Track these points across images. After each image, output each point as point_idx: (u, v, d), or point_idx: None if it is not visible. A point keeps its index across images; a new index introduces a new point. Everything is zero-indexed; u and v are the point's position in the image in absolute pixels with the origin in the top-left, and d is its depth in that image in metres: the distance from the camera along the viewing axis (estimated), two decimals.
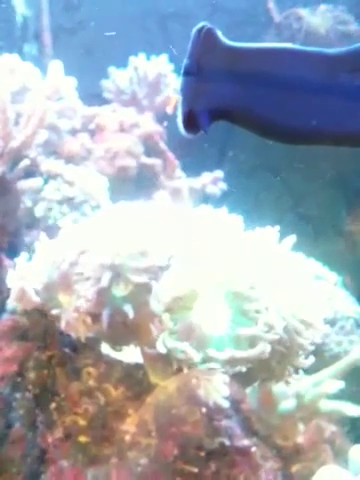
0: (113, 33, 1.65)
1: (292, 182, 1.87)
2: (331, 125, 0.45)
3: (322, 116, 0.45)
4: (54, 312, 0.80)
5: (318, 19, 1.95)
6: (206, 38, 0.45)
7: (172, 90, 1.73)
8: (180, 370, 0.77)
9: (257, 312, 0.74)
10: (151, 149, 1.68)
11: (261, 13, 1.98)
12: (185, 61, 0.46)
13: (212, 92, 0.46)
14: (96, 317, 0.78)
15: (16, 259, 0.87)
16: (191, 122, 0.47)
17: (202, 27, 0.45)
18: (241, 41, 0.45)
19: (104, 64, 1.81)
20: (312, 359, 0.86)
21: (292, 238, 0.83)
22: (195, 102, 0.46)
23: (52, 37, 2.00)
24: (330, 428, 1.26)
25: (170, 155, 1.71)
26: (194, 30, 0.46)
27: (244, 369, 0.72)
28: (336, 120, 0.45)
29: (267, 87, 0.45)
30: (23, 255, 0.86)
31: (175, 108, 0.67)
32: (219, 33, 0.45)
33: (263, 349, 0.71)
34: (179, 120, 0.47)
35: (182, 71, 0.46)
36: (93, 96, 1.67)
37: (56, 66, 1.57)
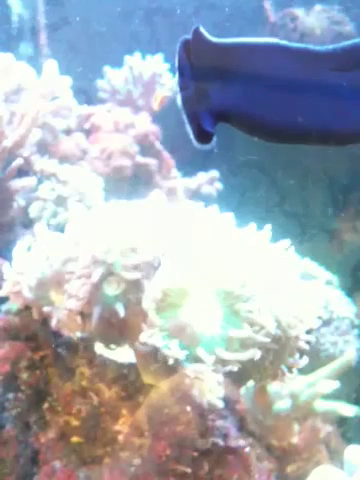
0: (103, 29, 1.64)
1: (278, 179, 1.88)
2: (319, 123, 0.45)
3: (310, 114, 0.45)
4: (46, 310, 0.80)
5: (313, 19, 1.95)
6: (194, 42, 0.45)
7: (160, 88, 1.73)
8: (173, 370, 0.77)
9: (249, 311, 0.73)
10: (146, 149, 1.67)
11: (250, 9, 1.97)
12: (177, 76, 0.46)
13: (209, 96, 0.46)
14: (88, 316, 0.78)
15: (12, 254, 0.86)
16: (201, 133, 0.47)
17: (185, 38, 0.45)
18: (229, 37, 0.44)
19: (89, 60, 1.80)
20: (306, 359, 0.86)
21: (287, 242, 0.83)
22: (198, 112, 0.46)
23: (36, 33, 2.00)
24: (325, 428, 1.26)
25: (166, 155, 1.70)
26: (179, 41, 0.46)
27: (235, 368, 0.71)
28: (324, 118, 0.45)
29: (256, 85, 0.45)
30: (18, 251, 0.86)
31: (161, 105, 0.68)
32: (205, 33, 0.45)
33: (254, 353, 0.71)
34: (190, 135, 0.47)
35: (178, 86, 0.46)
36: (78, 92, 1.66)
37: (51, 65, 1.57)
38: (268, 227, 0.81)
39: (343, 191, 1.89)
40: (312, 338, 0.80)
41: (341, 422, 1.33)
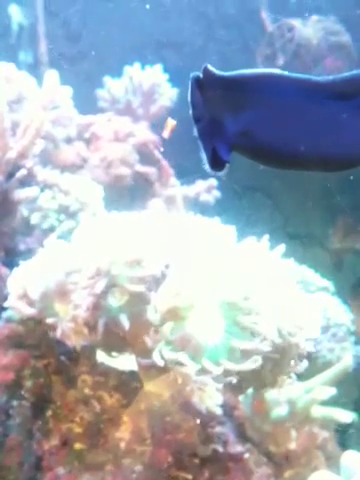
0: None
1: (282, 202, 1.91)
2: (321, 150, 0.47)
3: (311, 141, 0.47)
4: (50, 321, 0.81)
5: (310, 30, 1.98)
6: (204, 78, 0.47)
7: (168, 112, 1.75)
8: (174, 378, 0.78)
9: (250, 321, 0.75)
10: (146, 158, 1.69)
11: (251, 41, 2.02)
12: (191, 110, 0.49)
13: (222, 126, 0.48)
14: (92, 326, 0.79)
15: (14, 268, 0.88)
16: (216, 161, 0.49)
17: (197, 75, 0.48)
18: (235, 68, 0.47)
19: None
20: (306, 363, 0.87)
21: (282, 247, 0.85)
22: (213, 141, 0.49)
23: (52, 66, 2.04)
24: (322, 434, 1.28)
25: (165, 163, 1.72)
26: (191, 77, 0.48)
27: (235, 381, 0.73)
28: (326, 145, 0.47)
29: (264, 115, 0.47)
30: (22, 263, 0.87)
31: (171, 132, 0.70)
32: (214, 69, 0.47)
33: (256, 361, 0.73)
34: (205, 163, 0.50)
35: (193, 118, 0.49)
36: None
37: (52, 75, 1.59)
38: (266, 237, 0.83)
39: (342, 212, 1.93)
40: (311, 348, 0.82)
41: (338, 428, 1.34)
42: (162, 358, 0.70)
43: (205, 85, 0.48)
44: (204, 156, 0.49)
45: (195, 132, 0.49)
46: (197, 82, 0.48)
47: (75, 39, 2.15)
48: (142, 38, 2.07)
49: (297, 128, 0.47)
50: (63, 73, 1.56)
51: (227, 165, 0.49)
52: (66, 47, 2.14)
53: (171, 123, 0.72)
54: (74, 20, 2.18)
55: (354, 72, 0.45)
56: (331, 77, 0.45)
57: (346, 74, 0.46)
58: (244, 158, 0.48)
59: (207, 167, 0.49)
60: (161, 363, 0.69)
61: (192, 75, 0.48)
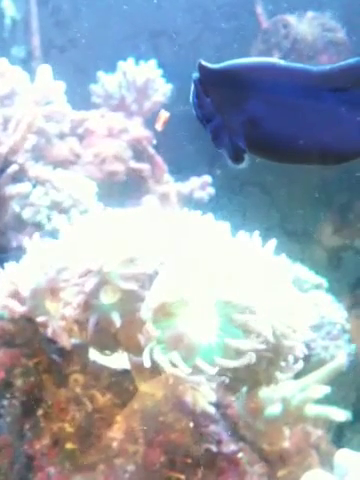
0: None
1: (279, 199, 1.90)
2: (319, 142, 0.46)
3: (310, 133, 0.46)
4: (41, 319, 0.80)
5: (305, 26, 1.97)
6: (202, 76, 0.46)
7: (162, 108, 1.74)
8: (167, 378, 0.77)
9: (245, 319, 0.74)
10: (139, 154, 1.68)
11: (248, 32, 2.00)
12: (196, 113, 0.48)
13: (233, 119, 0.47)
14: (83, 324, 0.78)
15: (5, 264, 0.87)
16: (237, 154, 0.48)
17: (197, 76, 0.47)
18: (230, 58, 0.46)
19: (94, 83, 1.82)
20: (301, 364, 0.87)
21: (273, 242, 0.84)
22: (229, 136, 0.48)
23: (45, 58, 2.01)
24: (316, 433, 1.27)
25: (158, 160, 1.71)
26: (192, 81, 0.47)
27: (227, 381, 0.72)
28: (324, 137, 0.46)
29: (261, 107, 0.46)
30: (12, 261, 0.86)
31: (164, 125, 0.69)
32: (208, 64, 0.46)
33: (250, 359, 0.72)
34: (228, 159, 0.49)
35: (200, 121, 0.48)
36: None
37: (44, 69, 1.57)
38: (256, 233, 0.82)
39: (340, 209, 1.92)
40: (304, 349, 0.81)
41: (331, 426, 1.34)
42: (152, 358, 0.69)
43: (204, 82, 0.47)
44: (225, 154, 0.48)
45: (209, 131, 0.48)
46: (198, 82, 0.47)
47: (65, 27, 2.12)
48: (135, 27, 2.05)
49: (293, 120, 0.46)
50: (55, 64, 1.54)
51: (246, 157, 0.48)
52: (55, 35, 2.11)
53: (164, 115, 0.70)
54: (64, 7, 2.15)
55: (350, 61, 0.44)
56: (328, 67, 0.44)
57: (342, 63, 0.44)
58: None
59: (230, 163, 0.48)
60: (148, 364, 0.68)
61: (193, 77, 0.47)
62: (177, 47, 1.91)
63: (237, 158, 0.48)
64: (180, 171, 1.76)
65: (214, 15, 2.02)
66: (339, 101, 0.45)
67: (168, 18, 2.03)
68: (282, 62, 0.45)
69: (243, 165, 0.49)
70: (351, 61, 0.45)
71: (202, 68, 0.46)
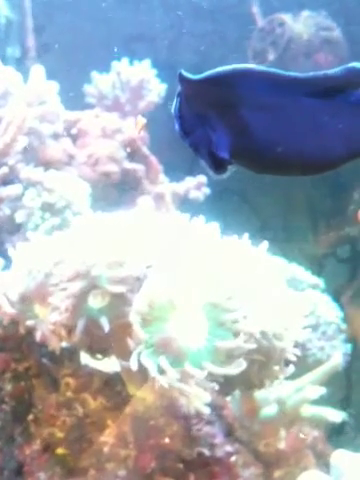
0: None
1: (260, 206, 1.90)
2: (302, 151, 0.45)
3: (290, 142, 0.45)
4: (29, 323, 0.80)
5: (301, 25, 1.96)
6: (183, 86, 0.45)
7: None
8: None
9: (235, 322, 0.73)
10: (134, 154, 1.67)
11: (227, 35, 1.99)
12: (177, 124, 0.47)
13: (214, 129, 0.47)
14: (72, 328, 0.78)
15: None
16: (218, 164, 0.48)
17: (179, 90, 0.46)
18: (209, 62, 0.45)
19: (70, 86, 1.80)
20: (292, 368, 0.86)
21: (265, 244, 0.84)
22: (210, 147, 0.47)
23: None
24: (312, 433, 1.27)
25: (153, 160, 1.70)
26: (177, 93, 0.46)
27: (217, 387, 0.72)
28: (307, 146, 0.45)
29: (244, 115, 0.45)
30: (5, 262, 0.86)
31: (142, 130, 0.68)
32: (188, 74, 0.45)
33: (239, 365, 0.71)
34: (209, 170, 0.48)
35: (180, 132, 0.47)
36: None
37: (38, 70, 1.56)
38: (246, 236, 0.82)
39: (322, 216, 1.92)
40: (297, 351, 0.81)
41: (327, 427, 1.33)
42: (139, 362, 0.68)
43: (185, 92, 0.46)
44: (206, 165, 0.47)
45: (189, 144, 0.47)
46: (180, 95, 0.46)
47: (39, 31, 2.10)
48: (110, 30, 2.03)
49: (278, 127, 0.45)
50: (48, 65, 1.53)
51: (229, 166, 0.47)
52: (48, 36, 2.09)
53: (141, 121, 0.70)
54: (38, 11, 2.13)
55: (335, 70, 0.43)
56: (311, 73, 0.43)
57: (327, 71, 0.44)
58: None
59: (211, 173, 0.48)
60: (135, 367, 0.68)
61: (177, 91, 0.46)
62: (154, 51, 1.90)
63: (218, 169, 0.48)
64: (175, 171, 1.75)
65: (190, 17, 2.00)
66: (322, 108, 0.44)
67: (144, 21, 2.01)
68: (263, 68, 0.44)
69: (224, 176, 0.48)
70: (337, 70, 0.44)
71: (182, 79, 0.45)
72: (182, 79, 0.45)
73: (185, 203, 1.72)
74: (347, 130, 0.44)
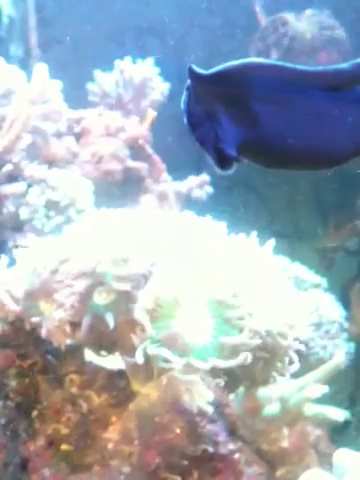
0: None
1: (269, 199, 1.90)
2: (313, 144, 0.45)
3: (300, 136, 0.45)
4: (35, 320, 0.80)
5: (304, 24, 1.96)
6: (192, 81, 0.45)
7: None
8: (163, 377, 0.76)
9: (240, 319, 0.74)
10: (137, 153, 1.67)
11: (237, 27, 1.99)
12: (186, 118, 0.47)
13: (223, 125, 0.47)
14: (77, 325, 0.78)
15: None
16: (224, 161, 0.48)
17: (188, 84, 0.46)
18: (219, 56, 0.45)
19: (80, 80, 1.80)
20: (297, 365, 0.86)
21: (272, 242, 0.84)
22: (218, 142, 0.47)
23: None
24: (315, 432, 1.27)
25: (156, 159, 1.70)
26: (186, 87, 0.46)
27: (222, 383, 0.72)
28: (311, 140, 0.45)
29: (255, 110, 0.45)
30: (3, 261, 0.86)
31: (151, 124, 0.69)
32: (198, 69, 0.45)
33: (245, 357, 0.71)
34: (214, 166, 0.48)
35: (189, 126, 0.47)
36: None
37: (41, 68, 1.56)
38: (254, 234, 0.82)
39: (332, 210, 1.92)
40: (302, 347, 0.81)
41: (330, 426, 1.33)
42: (145, 354, 0.68)
43: (194, 88, 0.46)
44: (210, 159, 0.47)
45: (195, 138, 0.47)
46: (189, 89, 0.46)
47: (48, 25, 2.10)
48: (121, 24, 2.03)
49: (284, 121, 0.45)
50: (52, 63, 1.53)
51: (234, 162, 0.47)
52: (39, 33, 2.09)
53: (151, 114, 0.70)
54: (47, 4, 2.13)
55: (345, 64, 0.43)
56: (320, 67, 0.44)
57: (336, 66, 0.44)
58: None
59: (216, 169, 0.48)
60: (141, 360, 0.68)
61: (186, 85, 0.46)
62: (165, 44, 1.89)
63: (224, 165, 0.48)
64: (178, 170, 1.75)
65: (201, 11, 2.00)
66: (332, 101, 0.44)
67: (155, 14, 2.00)
68: (273, 62, 0.44)
69: (230, 171, 0.48)
70: (347, 64, 0.44)
71: (192, 74, 0.45)
72: (192, 74, 0.45)
73: (194, 199, 1.72)
74: (356, 124, 0.44)
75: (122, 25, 2.03)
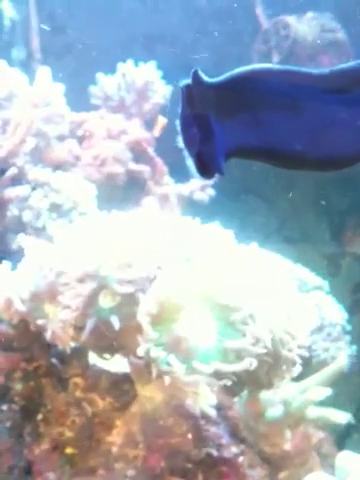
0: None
1: (277, 205, 1.90)
2: (320, 147, 0.45)
3: (310, 138, 0.45)
4: (40, 322, 0.80)
5: (305, 27, 1.97)
6: (194, 86, 0.45)
7: (159, 114, 1.73)
8: (167, 381, 0.77)
9: (244, 323, 0.74)
10: (139, 155, 1.68)
11: (245, 35, 2.00)
12: (179, 120, 0.47)
13: (215, 134, 0.47)
14: (82, 328, 0.78)
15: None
16: (203, 167, 0.48)
17: (188, 83, 0.46)
18: (228, 62, 0.45)
19: (85, 84, 1.81)
20: (299, 368, 0.86)
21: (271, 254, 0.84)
22: (202, 149, 0.47)
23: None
24: (317, 435, 1.27)
25: (158, 161, 1.71)
26: (182, 87, 0.46)
27: (229, 383, 0.72)
28: (325, 142, 0.45)
29: (261, 116, 0.45)
30: (7, 263, 0.86)
31: (162, 131, 0.69)
32: (203, 75, 0.45)
33: (249, 363, 0.71)
34: (194, 172, 0.48)
35: (180, 126, 0.47)
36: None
37: (44, 71, 1.57)
38: (255, 244, 0.82)
39: (339, 215, 1.92)
40: (305, 352, 0.81)
41: (333, 428, 1.33)
42: (147, 356, 0.68)
43: (191, 92, 0.46)
44: (192, 166, 0.47)
45: (182, 140, 0.47)
46: (188, 90, 0.46)
47: (60, 32, 2.11)
48: (130, 31, 2.04)
49: (293, 126, 0.45)
50: (54, 66, 1.54)
51: (216, 174, 0.47)
52: (51, 40, 2.11)
53: (162, 121, 0.70)
54: (59, 12, 2.14)
55: (351, 64, 0.43)
56: (327, 70, 0.44)
57: (343, 66, 0.44)
58: (236, 160, 0.47)
59: (197, 175, 0.48)
60: (142, 353, 0.68)
61: (183, 85, 0.46)
62: (173, 50, 1.91)
63: (205, 174, 0.48)
64: (180, 173, 1.75)
65: (209, 17, 2.01)
66: (340, 104, 0.45)
67: (164, 21, 2.02)
68: (279, 66, 0.44)
69: (211, 180, 0.48)
70: (353, 64, 0.44)
71: (196, 78, 0.45)
72: (195, 79, 0.45)
73: (200, 203, 1.73)
74: None
75: (130, 31, 2.04)
